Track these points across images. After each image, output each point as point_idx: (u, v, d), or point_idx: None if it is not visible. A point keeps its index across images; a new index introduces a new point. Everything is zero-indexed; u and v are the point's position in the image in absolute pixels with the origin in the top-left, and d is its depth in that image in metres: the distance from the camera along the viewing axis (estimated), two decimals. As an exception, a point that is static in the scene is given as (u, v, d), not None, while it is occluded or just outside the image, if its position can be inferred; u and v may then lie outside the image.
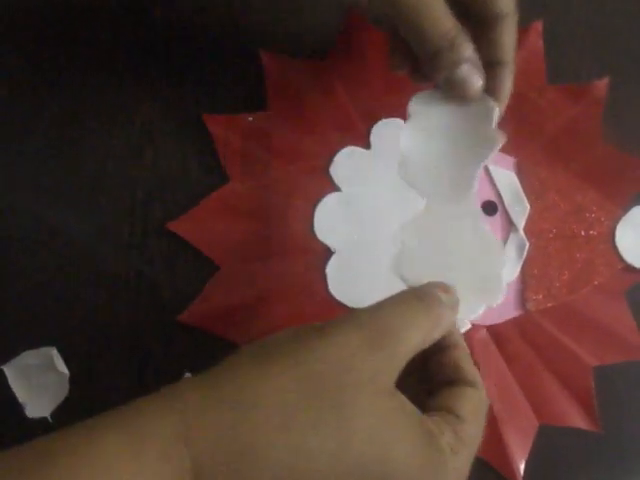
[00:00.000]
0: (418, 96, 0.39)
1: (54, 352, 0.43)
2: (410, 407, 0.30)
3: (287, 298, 0.44)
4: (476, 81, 0.38)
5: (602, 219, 0.45)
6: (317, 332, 0.31)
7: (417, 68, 0.40)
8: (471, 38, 0.38)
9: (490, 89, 0.39)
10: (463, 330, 0.44)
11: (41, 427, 0.42)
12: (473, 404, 0.33)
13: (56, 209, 0.45)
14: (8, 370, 0.43)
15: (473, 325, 0.44)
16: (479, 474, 0.43)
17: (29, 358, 0.43)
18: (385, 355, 0.30)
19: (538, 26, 0.47)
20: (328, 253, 0.45)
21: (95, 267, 0.45)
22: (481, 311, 0.41)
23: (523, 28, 0.45)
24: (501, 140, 0.39)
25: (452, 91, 0.39)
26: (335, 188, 0.45)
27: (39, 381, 0.43)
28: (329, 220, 0.45)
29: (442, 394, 0.33)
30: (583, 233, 0.45)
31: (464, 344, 0.36)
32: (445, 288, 0.34)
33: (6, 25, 0.48)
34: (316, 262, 0.45)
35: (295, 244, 0.45)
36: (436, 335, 0.33)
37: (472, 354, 0.43)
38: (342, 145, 0.46)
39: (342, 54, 0.46)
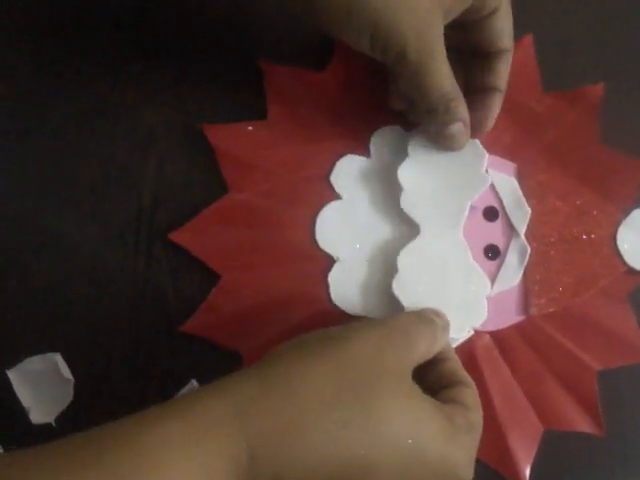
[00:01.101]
0: (417, 135, 0.45)
1: (59, 358, 0.43)
2: (427, 395, 0.35)
3: (289, 307, 0.45)
4: (463, 139, 0.43)
5: (603, 222, 0.45)
6: (345, 330, 0.36)
7: (414, 110, 0.45)
8: (471, 69, 0.44)
9: (482, 111, 0.43)
10: (466, 337, 0.44)
11: (45, 433, 0.42)
12: (472, 398, 0.38)
13: (61, 215, 0.46)
14: (13, 375, 0.43)
15: (476, 332, 0.44)
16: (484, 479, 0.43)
17: (34, 364, 0.43)
18: (403, 349, 0.35)
19: (529, 38, 0.48)
20: (330, 261, 0.45)
21: (100, 274, 0.45)
22: (466, 332, 0.43)
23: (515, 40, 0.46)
24: (488, 183, 0.45)
25: (439, 142, 0.44)
26: (336, 196, 0.46)
27: (43, 387, 0.43)
28: (330, 228, 0.45)
29: (444, 392, 0.37)
30: (584, 237, 0.45)
31: (456, 357, 0.41)
32: (437, 313, 0.41)
33: (8, 29, 0.49)
34: (318, 271, 0.45)
35: (297, 253, 0.45)
36: (434, 349, 0.38)
37: (475, 360, 0.44)
38: (342, 153, 0.46)
39: (342, 63, 0.47)
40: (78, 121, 0.47)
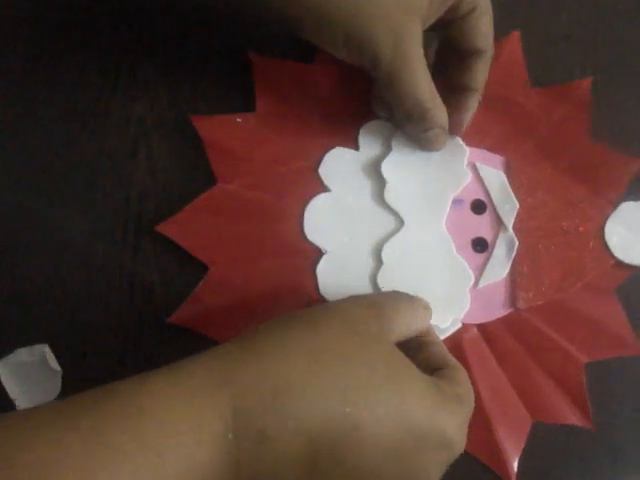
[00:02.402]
0: (401, 131, 0.45)
1: (47, 349, 0.43)
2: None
3: (277, 299, 0.45)
4: (440, 143, 0.44)
5: (591, 216, 0.45)
6: (328, 303, 0.38)
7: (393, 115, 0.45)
8: (450, 67, 0.44)
9: (458, 111, 0.44)
10: (454, 329, 0.44)
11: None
12: (463, 376, 0.37)
13: (51, 209, 0.46)
14: (0, 367, 0.43)
15: (463, 324, 0.44)
16: (472, 473, 0.43)
17: (22, 355, 0.43)
18: (383, 317, 0.36)
19: (516, 35, 0.48)
20: (318, 254, 0.45)
21: (88, 265, 0.45)
22: (449, 322, 0.44)
23: (503, 37, 0.47)
24: (469, 178, 0.46)
25: (418, 144, 0.45)
26: (324, 189, 0.46)
27: (31, 378, 0.43)
28: (319, 221, 0.45)
29: (434, 373, 0.37)
30: (573, 230, 0.45)
31: (442, 343, 0.40)
32: (417, 297, 0.40)
33: (2, 24, 0.49)
34: (307, 263, 0.45)
35: (285, 245, 0.45)
36: (414, 325, 0.38)
37: (463, 353, 0.44)
38: (331, 146, 0.46)
39: (330, 56, 0.47)
40: (69, 115, 0.47)
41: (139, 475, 0.28)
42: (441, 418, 0.33)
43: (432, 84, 0.41)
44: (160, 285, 0.45)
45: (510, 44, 0.48)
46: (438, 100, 0.42)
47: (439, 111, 0.42)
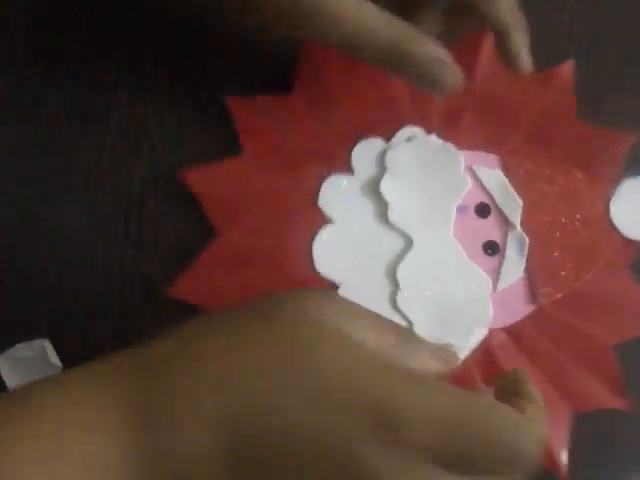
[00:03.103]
0: (392, 148, 0.45)
1: (47, 344, 0.42)
2: None
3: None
4: (446, 77, 0.37)
5: (594, 198, 0.46)
6: None
7: None
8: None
9: (510, 51, 0.39)
10: (481, 337, 0.44)
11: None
12: None
13: (51, 203, 0.45)
14: (1, 362, 0.42)
15: (490, 330, 0.44)
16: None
17: (22, 350, 0.42)
18: None
19: None
20: (333, 287, 0.44)
21: (90, 261, 0.44)
22: (474, 336, 0.43)
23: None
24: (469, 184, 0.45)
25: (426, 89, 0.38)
26: (327, 220, 0.44)
27: (32, 373, 0.42)
28: (328, 254, 0.44)
29: None
30: (579, 216, 0.45)
31: None
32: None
33: (2, 22, 0.48)
34: (323, 297, 0.44)
35: (299, 284, 0.44)
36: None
37: (495, 359, 0.44)
38: (325, 175, 0.45)
39: (307, 83, 0.46)
40: (72, 110, 0.46)
41: None
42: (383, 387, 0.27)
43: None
44: (162, 282, 0.44)
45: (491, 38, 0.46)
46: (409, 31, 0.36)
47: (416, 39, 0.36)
